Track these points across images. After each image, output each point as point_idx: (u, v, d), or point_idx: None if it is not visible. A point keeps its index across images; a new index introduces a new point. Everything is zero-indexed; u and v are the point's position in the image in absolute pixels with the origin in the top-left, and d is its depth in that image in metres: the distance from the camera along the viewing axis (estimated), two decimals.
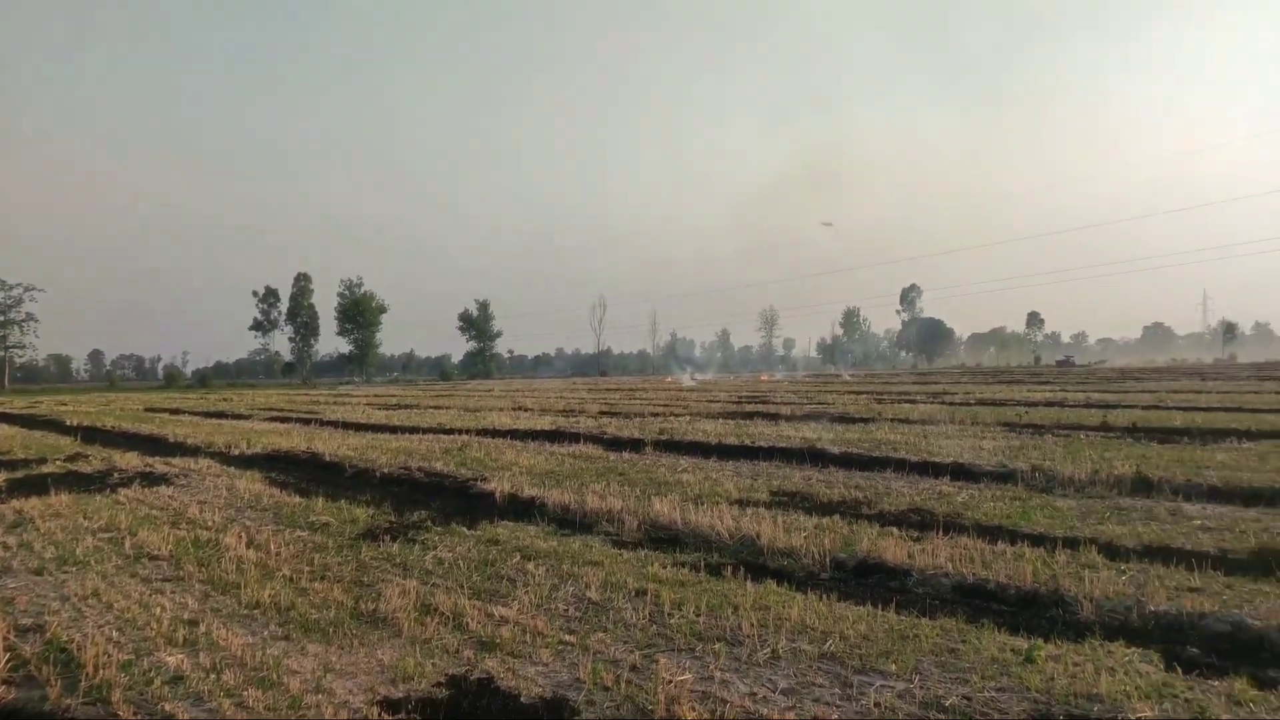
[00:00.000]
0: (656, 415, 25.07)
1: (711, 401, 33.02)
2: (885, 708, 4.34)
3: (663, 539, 8.50)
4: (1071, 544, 7.55)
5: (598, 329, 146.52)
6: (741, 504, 10.00)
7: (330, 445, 17.89)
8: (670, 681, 4.71)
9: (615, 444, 17.14)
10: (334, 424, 25.39)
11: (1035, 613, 5.92)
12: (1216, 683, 4.54)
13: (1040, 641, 5.18)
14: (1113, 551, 7.33)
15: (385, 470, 13.86)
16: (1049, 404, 26.48)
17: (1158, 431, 16.70)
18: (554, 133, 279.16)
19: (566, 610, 6.11)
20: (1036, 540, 7.81)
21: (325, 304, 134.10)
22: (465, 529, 9.16)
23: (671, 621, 5.77)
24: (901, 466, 12.79)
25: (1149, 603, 5.67)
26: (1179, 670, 4.71)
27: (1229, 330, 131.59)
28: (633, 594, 6.44)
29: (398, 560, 7.79)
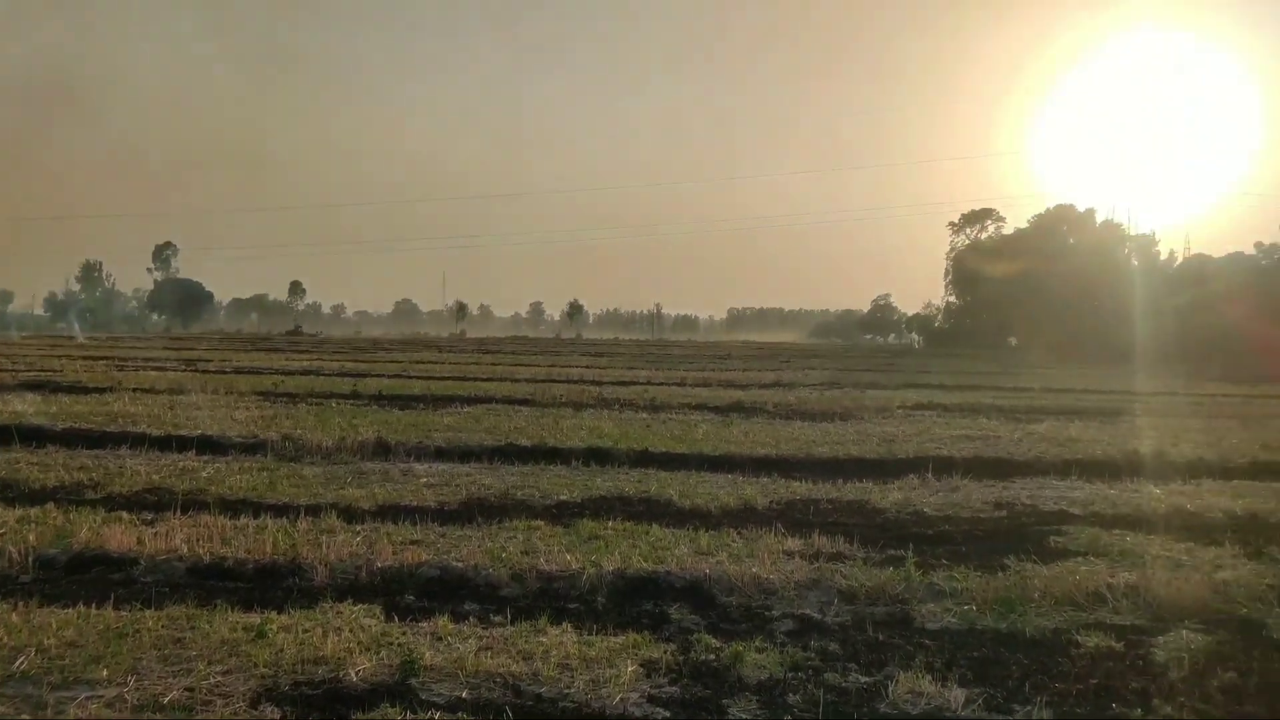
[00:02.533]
0: None
1: None
2: None
3: None
4: (315, 511, 7.77)
5: None
6: None
7: None
8: None
9: None
10: None
11: (273, 584, 5.90)
12: (426, 624, 5.11)
13: (274, 614, 5.15)
14: (351, 514, 7.77)
15: None
16: (306, 373, 27.15)
17: (400, 399, 18.47)
18: None
19: None
20: (281, 510, 7.84)
21: None
22: None
23: None
24: (141, 441, 11.58)
25: (377, 559, 6.14)
26: (397, 619, 5.18)
27: (461, 309, 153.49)
28: None
29: None
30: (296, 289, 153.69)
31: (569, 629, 5.05)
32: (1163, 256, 72.82)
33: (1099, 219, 75.59)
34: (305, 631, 4.88)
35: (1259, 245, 71.41)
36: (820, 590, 5.87)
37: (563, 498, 8.85)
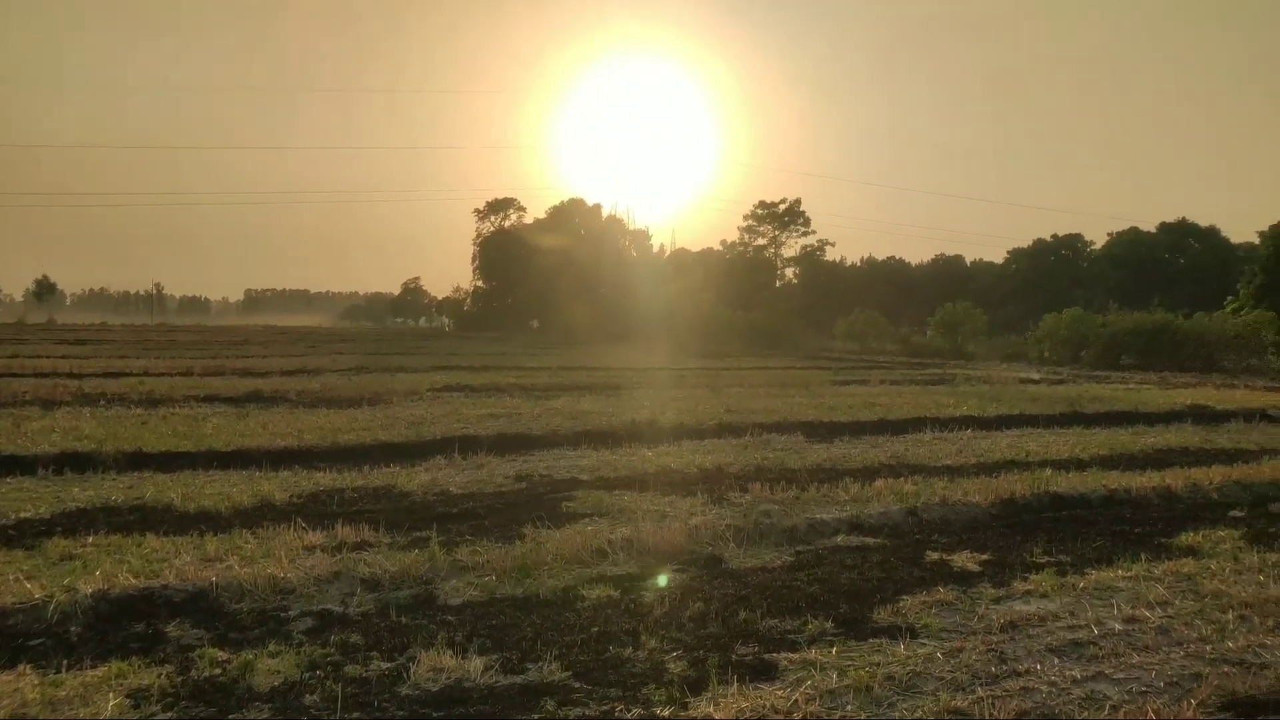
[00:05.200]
0: None
1: None
2: None
3: None
4: None
5: None
6: None
7: None
8: None
9: None
10: None
11: None
12: None
13: None
14: None
15: None
16: None
17: None
18: None
19: None
20: None
21: None
22: None
23: None
24: None
25: None
26: None
27: None
28: None
29: None
30: None
31: (28, 671, 4.20)
32: (655, 249, 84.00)
33: (605, 213, 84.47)
34: None
35: (724, 243, 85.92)
36: (343, 582, 5.67)
37: (25, 515, 7.35)
